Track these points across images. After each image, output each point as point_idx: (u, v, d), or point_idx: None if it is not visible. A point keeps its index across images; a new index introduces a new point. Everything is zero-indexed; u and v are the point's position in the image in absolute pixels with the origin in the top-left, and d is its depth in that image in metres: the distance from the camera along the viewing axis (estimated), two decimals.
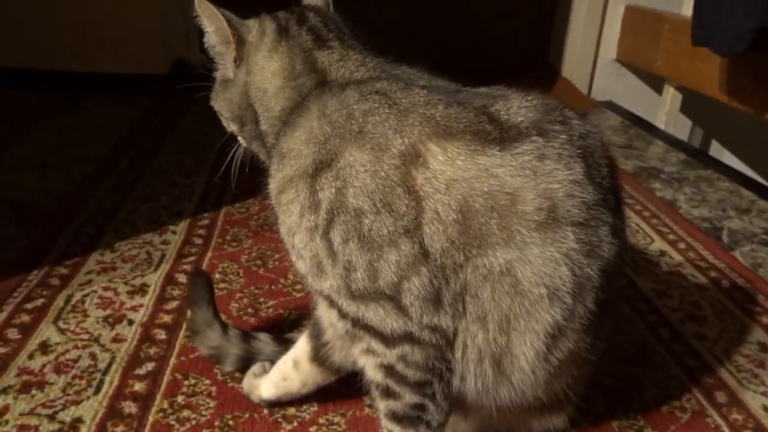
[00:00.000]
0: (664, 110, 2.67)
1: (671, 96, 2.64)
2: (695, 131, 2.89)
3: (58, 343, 1.12)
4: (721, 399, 1.07)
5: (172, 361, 1.09)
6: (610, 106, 2.89)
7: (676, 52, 2.47)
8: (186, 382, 1.04)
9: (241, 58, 0.87)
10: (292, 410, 0.99)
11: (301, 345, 0.96)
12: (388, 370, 0.77)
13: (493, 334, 0.73)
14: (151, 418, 0.96)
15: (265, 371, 1.02)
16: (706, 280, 1.44)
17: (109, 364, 1.07)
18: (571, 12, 2.95)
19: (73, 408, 0.97)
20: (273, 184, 0.82)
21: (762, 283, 1.44)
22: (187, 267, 1.38)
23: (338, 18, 0.91)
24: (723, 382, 1.11)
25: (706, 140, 2.90)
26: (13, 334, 1.13)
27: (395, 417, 0.80)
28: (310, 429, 0.96)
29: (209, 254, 1.44)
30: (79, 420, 0.95)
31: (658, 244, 1.59)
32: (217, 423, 0.96)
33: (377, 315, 0.74)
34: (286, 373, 0.97)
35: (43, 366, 1.06)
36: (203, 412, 0.98)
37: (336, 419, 0.98)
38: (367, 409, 1.00)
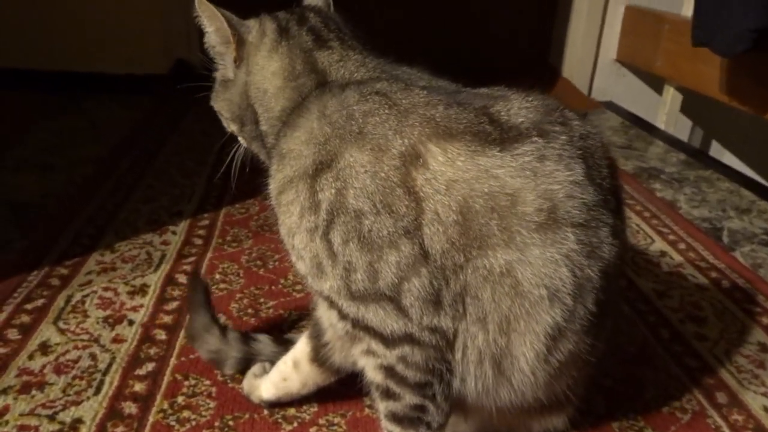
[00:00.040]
0: (665, 110, 2.67)
1: (671, 96, 2.64)
2: (695, 132, 2.89)
3: (58, 344, 1.12)
4: (721, 400, 1.07)
5: (173, 361, 1.09)
6: (611, 106, 2.89)
7: (677, 52, 2.47)
8: (186, 383, 1.04)
9: (241, 58, 0.87)
10: (292, 411, 0.99)
11: (301, 346, 0.96)
12: (388, 371, 0.77)
13: (493, 335, 0.73)
14: (151, 419, 0.96)
15: (265, 372, 1.02)
16: (706, 280, 1.44)
17: (109, 365, 1.07)
18: (571, 12, 2.95)
19: (73, 408, 0.97)
20: (273, 185, 0.82)
21: (762, 283, 1.44)
22: (188, 267, 1.38)
23: (339, 18, 0.91)
24: (723, 383, 1.11)
25: (706, 141, 2.90)
26: (13, 334, 1.13)
27: (395, 418, 0.80)
28: (311, 430, 0.96)
29: (209, 255, 1.44)
30: (79, 420, 0.95)
31: (659, 245, 1.59)
32: (217, 423, 0.96)
33: (377, 316, 0.74)
34: (286, 373, 0.97)
35: (43, 366, 1.06)
36: (203, 413, 0.98)
37: (336, 420, 0.98)
38: (367, 410, 1.00)
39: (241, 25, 0.87)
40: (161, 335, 1.15)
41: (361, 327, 0.77)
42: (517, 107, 0.75)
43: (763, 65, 1.98)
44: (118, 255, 1.41)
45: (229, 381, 1.05)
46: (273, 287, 1.33)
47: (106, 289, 1.28)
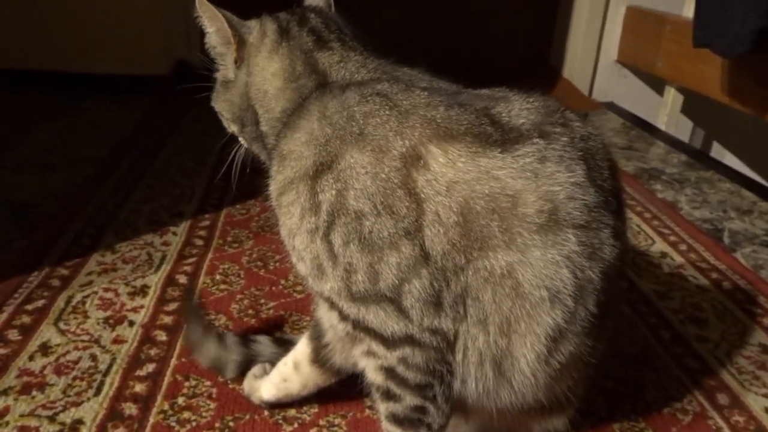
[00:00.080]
0: (666, 111, 2.67)
1: (672, 97, 2.64)
2: (696, 132, 2.89)
3: (58, 345, 1.12)
4: (722, 401, 1.07)
5: (173, 362, 1.09)
6: (612, 107, 2.89)
7: (678, 53, 2.47)
8: (186, 384, 1.04)
9: (241, 58, 0.87)
10: (292, 412, 0.99)
11: (302, 347, 0.96)
12: (389, 372, 0.77)
13: (493, 337, 0.73)
14: (151, 420, 0.96)
15: (265, 373, 1.02)
16: (707, 281, 1.44)
17: (110, 366, 1.07)
18: (572, 13, 2.95)
19: (73, 409, 0.97)
20: (273, 186, 0.82)
21: (763, 284, 1.44)
22: (188, 268, 1.38)
23: (339, 19, 0.91)
24: (724, 384, 1.11)
25: (707, 141, 2.90)
26: (13, 335, 1.13)
27: (396, 419, 0.79)
28: (311, 430, 0.96)
29: (210, 255, 1.44)
30: (79, 421, 0.95)
31: (659, 246, 1.59)
32: (217, 424, 0.96)
33: (378, 317, 0.74)
34: (286, 374, 0.97)
35: (44, 367, 1.06)
36: (204, 414, 0.98)
37: (337, 421, 0.98)
38: (367, 411, 1.00)
39: (242, 25, 0.87)
40: (162, 336, 1.15)
41: (361, 328, 0.77)
42: (518, 108, 0.75)
43: (764, 66, 1.98)
44: (119, 255, 1.41)
45: (229, 382, 1.05)
46: (273, 288, 1.33)
47: (106, 289, 1.28)
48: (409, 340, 0.74)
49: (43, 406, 0.98)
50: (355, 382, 0.86)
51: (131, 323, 1.18)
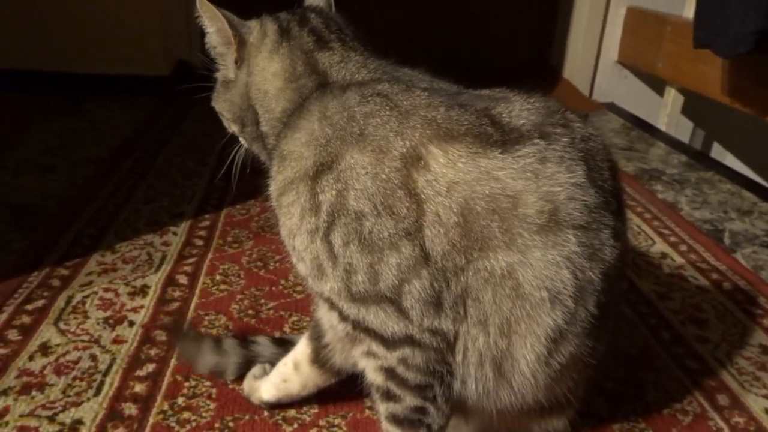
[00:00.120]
0: (666, 112, 2.67)
1: (673, 98, 2.64)
2: (697, 133, 2.89)
3: (58, 345, 1.11)
4: (722, 402, 1.07)
5: (173, 362, 1.08)
6: (612, 107, 2.89)
7: (678, 54, 2.47)
8: (186, 384, 1.04)
9: (242, 59, 0.87)
10: (292, 412, 0.99)
11: (302, 347, 0.96)
12: (389, 372, 0.77)
13: (494, 338, 0.73)
14: (151, 420, 0.96)
15: (265, 373, 1.01)
16: (707, 282, 1.44)
17: (110, 366, 1.07)
18: (572, 13, 2.95)
19: (73, 409, 0.97)
20: (273, 186, 0.82)
21: (763, 285, 1.44)
22: (188, 268, 1.38)
23: (340, 19, 0.91)
24: (725, 385, 1.11)
25: (707, 142, 2.90)
26: (13, 335, 1.13)
27: (396, 420, 0.79)
28: (311, 431, 0.96)
29: (210, 255, 1.44)
30: (79, 422, 0.95)
31: (660, 246, 1.59)
32: (217, 425, 0.96)
33: (378, 318, 0.74)
34: (286, 375, 0.97)
35: (44, 367, 1.06)
36: (203, 414, 0.98)
37: (336, 421, 0.98)
38: (367, 411, 0.99)
39: (243, 25, 0.87)
40: (162, 336, 1.15)
41: (361, 329, 0.77)
42: (519, 109, 0.75)
43: (764, 67, 1.98)
44: (119, 256, 1.41)
45: (229, 382, 1.04)
46: (273, 288, 1.32)
47: (106, 289, 1.28)
48: (409, 340, 0.74)
49: (43, 407, 0.98)
50: (355, 382, 0.86)
51: (131, 323, 1.18)
